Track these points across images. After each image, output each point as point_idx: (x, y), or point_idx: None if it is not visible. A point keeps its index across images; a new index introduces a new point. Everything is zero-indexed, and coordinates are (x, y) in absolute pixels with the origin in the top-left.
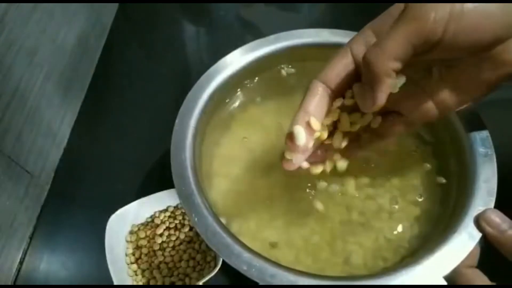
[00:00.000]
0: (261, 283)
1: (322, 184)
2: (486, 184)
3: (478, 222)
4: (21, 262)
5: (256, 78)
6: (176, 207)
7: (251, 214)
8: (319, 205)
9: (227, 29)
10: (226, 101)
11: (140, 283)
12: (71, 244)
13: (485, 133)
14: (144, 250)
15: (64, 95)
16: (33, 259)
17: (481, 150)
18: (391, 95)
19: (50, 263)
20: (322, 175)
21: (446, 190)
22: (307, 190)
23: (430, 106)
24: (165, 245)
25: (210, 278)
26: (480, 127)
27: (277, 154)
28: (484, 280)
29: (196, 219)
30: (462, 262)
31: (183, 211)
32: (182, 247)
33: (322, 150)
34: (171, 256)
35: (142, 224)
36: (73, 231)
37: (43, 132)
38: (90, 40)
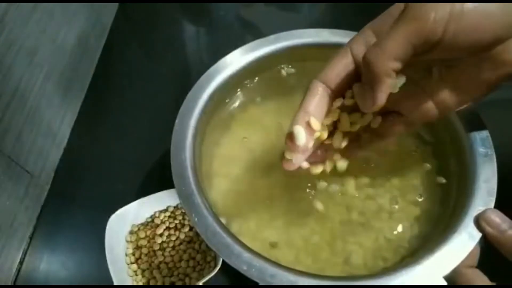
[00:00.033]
0: (261, 283)
1: (322, 184)
2: (486, 184)
3: (478, 222)
4: (21, 262)
5: (256, 78)
6: (176, 207)
7: (251, 214)
8: (319, 205)
9: (227, 29)
10: (226, 101)
11: (140, 283)
12: (71, 244)
13: (485, 133)
14: (144, 250)
15: (64, 95)
16: (33, 259)
17: (481, 150)
18: (391, 95)
19: (50, 263)
20: (322, 175)
21: (446, 190)
22: (307, 190)
23: (430, 106)
24: (165, 245)
25: (210, 278)
26: (480, 127)
27: (277, 154)
28: (484, 280)
29: (196, 219)
30: (462, 262)
31: (183, 211)
32: (182, 247)
33: (322, 150)
34: (171, 256)
35: (142, 224)
36: (73, 231)
37: (43, 132)
38: (90, 40)
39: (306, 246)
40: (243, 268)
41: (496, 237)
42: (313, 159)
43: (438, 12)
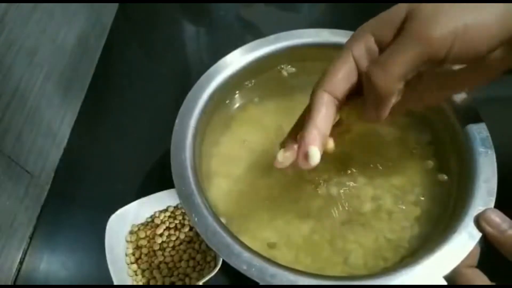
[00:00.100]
0: (261, 283)
1: (322, 184)
2: (486, 184)
3: (478, 222)
4: (21, 262)
5: (256, 78)
6: (176, 207)
7: (251, 214)
8: (319, 205)
9: (227, 29)
10: (226, 101)
11: (140, 283)
12: (71, 244)
13: (485, 133)
14: (144, 250)
15: (64, 95)
16: (33, 259)
17: (481, 150)
18: None
19: (50, 263)
20: (322, 175)
21: (446, 190)
22: (307, 190)
23: (416, 101)
24: (165, 245)
25: (210, 278)
26: (480, 127)
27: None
28: (484, 280)
29: (196, 219)
30: (462, 262)
31: (183, 211)
32: (182, 247)
33: None
34: (171, 256)
35: (142, 224)
36: (73, 231)
37: (43, 132)
38: (90, 40)
39: (306, 246)
40: (243, 268)
41: (496, 237)
42: None
43: (443, 31)
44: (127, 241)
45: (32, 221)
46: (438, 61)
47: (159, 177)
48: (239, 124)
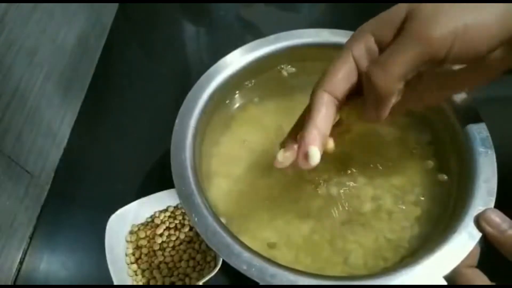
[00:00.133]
0: (261, 283)
1: (322, 184)
2: (486, 184)
3: (478, 222)
4: (21, 262)
5: (256, 78)
6: (176, 207)
7: (251, 214)
8: (319, 205)
9: (227, 29)
10: (226, 101)
11: (140, 283)
12: (71, 244)
13: (485, 133)
14: (144, 250)
15: (64, 95)
16: (33, 259)
17: (481, 150)
18: None
19: (50, 263)
20: (322, 175)
21: (446, 190)
22: (307, 190)
23: (416, 101)
24: (165, 245)
25: (210, 278)
26: (480, 127)
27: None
28: (484, 280)
29: (196, 219)
30: (462, 262)
31: (183, 211)
32: (182, 247)
33: None
34: (171, 256)
35: (142, 224)
36: (73, 231)
37: (43, 132)
38: (90, 40)
39: (306, 246)
40: (243, 268)
41: (496, 237)
42: None
43: (443, 31)
44: (127, 241)
45: (32, 221)
46: (438, 61)
47: (159, 177)
48: (239, 124)
